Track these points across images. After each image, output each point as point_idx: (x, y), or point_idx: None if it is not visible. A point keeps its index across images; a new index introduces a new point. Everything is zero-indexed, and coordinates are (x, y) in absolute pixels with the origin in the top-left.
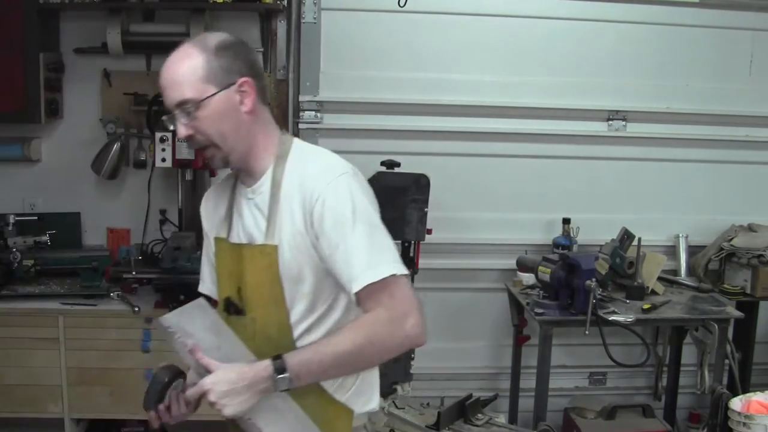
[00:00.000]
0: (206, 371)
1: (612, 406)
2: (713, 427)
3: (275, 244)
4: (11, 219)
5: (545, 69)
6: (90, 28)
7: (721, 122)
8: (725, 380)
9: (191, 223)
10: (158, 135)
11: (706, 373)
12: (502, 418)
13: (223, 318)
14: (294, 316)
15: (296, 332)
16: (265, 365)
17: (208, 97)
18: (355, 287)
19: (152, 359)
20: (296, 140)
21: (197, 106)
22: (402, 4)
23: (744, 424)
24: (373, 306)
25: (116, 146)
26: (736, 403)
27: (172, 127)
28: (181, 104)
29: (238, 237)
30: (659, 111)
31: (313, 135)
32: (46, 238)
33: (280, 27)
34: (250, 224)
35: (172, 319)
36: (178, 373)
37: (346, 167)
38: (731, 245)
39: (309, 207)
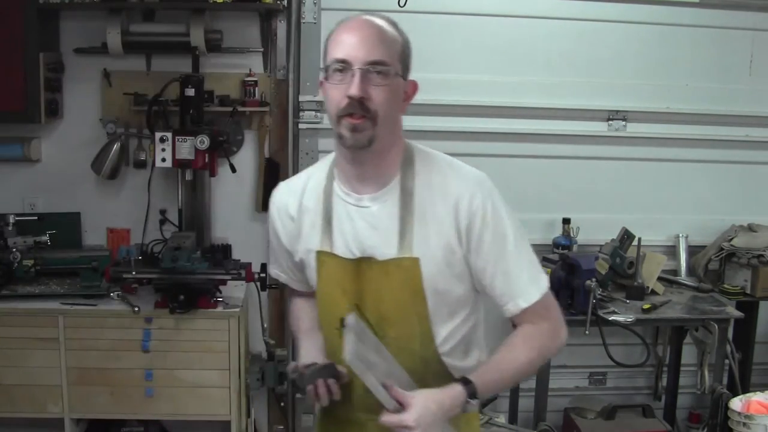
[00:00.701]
0: (399, 404)
1: (612, 406)
2: (713, 427)
3: (415, 256)
4: (11, 219)
5: (545, 69)
6: (90, 28)
7: (721, 122)
8: (725, 380)
9: (191, 223)
10: (158, 135)
11: (706, 373)
12: (502, 418)
13: (337, 337)
14: (435, 325)
15: (437, 340)
16: (459, 391)
17: (398, 74)
18: (523, 303)
19: (152, 359)
20: (415, 144)
21: (390, 73)
22: (402, 4)
23: (744, 424)
24: (531, 319)
25: (116, 146)
26: (736, 403)
27: (334, 81)
28: (377, 63)
29: (348, 250)
30: (659, 111)
31: (313, 135)
32: (46, 238)
33: (280, 27)
34: (365, 236)
35: (356, 355)
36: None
37: (488, 178)
38: (731, 245)
39: (465, 220)
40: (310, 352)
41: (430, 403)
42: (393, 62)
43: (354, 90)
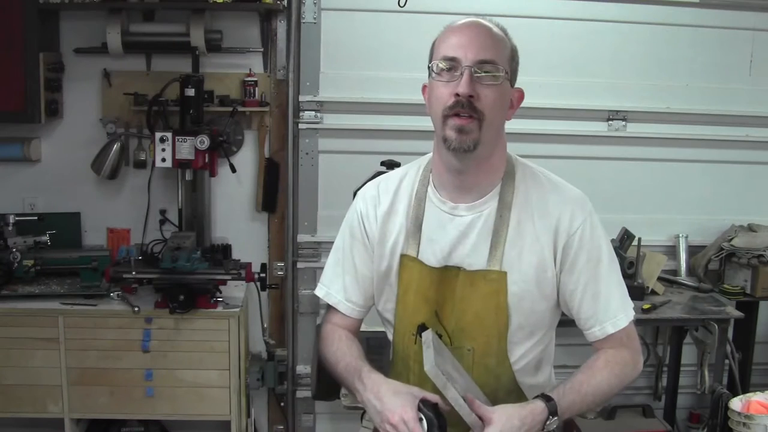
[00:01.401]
0: (480, 419)
1: (612, 406)
2: (713, 427)
3: (504, 270)
4: (11, 219)
5: (545, 69)
6: (90, 28)
7: (721, 122)
8: (725, 380)
9: (191, 223)
10: (158, 135)
11: (706, 373)
12: None
13: (411, 344)
14: (512, 343)
15: (512, 358)
16: (541, 408)
17: (507, 77)
18: (610, 329)
19: (152, 359)
20: (518, 158)
21: (499, 74)
22: (402, 4)
23: (744, 424)
24: (614, 345)
25: (116, 146)
26: (736, 403)
27: (442, 79)
28: (487, 62)
29: (434, 258)
30: (659, 111)
31: (313, 135)
32: (46, 238)
33: (280, 27)
34: (455, 245)
35: (437, 366)
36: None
37: (587, 198)
38: (731, 245)
39: (563, 239)
40: (399, 385)
41: (514, 419)
42: (502, 64)
43: (463, 88)
